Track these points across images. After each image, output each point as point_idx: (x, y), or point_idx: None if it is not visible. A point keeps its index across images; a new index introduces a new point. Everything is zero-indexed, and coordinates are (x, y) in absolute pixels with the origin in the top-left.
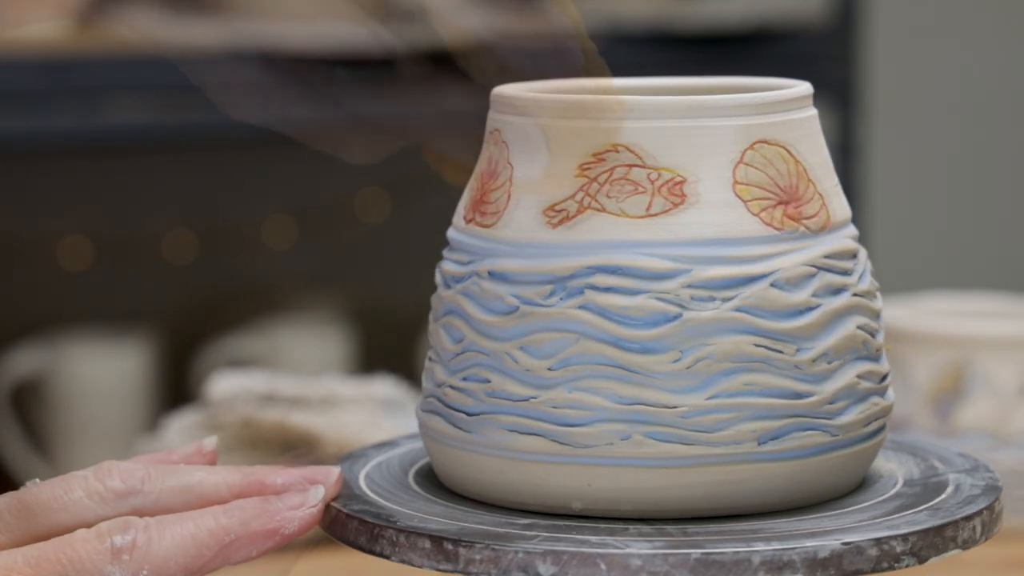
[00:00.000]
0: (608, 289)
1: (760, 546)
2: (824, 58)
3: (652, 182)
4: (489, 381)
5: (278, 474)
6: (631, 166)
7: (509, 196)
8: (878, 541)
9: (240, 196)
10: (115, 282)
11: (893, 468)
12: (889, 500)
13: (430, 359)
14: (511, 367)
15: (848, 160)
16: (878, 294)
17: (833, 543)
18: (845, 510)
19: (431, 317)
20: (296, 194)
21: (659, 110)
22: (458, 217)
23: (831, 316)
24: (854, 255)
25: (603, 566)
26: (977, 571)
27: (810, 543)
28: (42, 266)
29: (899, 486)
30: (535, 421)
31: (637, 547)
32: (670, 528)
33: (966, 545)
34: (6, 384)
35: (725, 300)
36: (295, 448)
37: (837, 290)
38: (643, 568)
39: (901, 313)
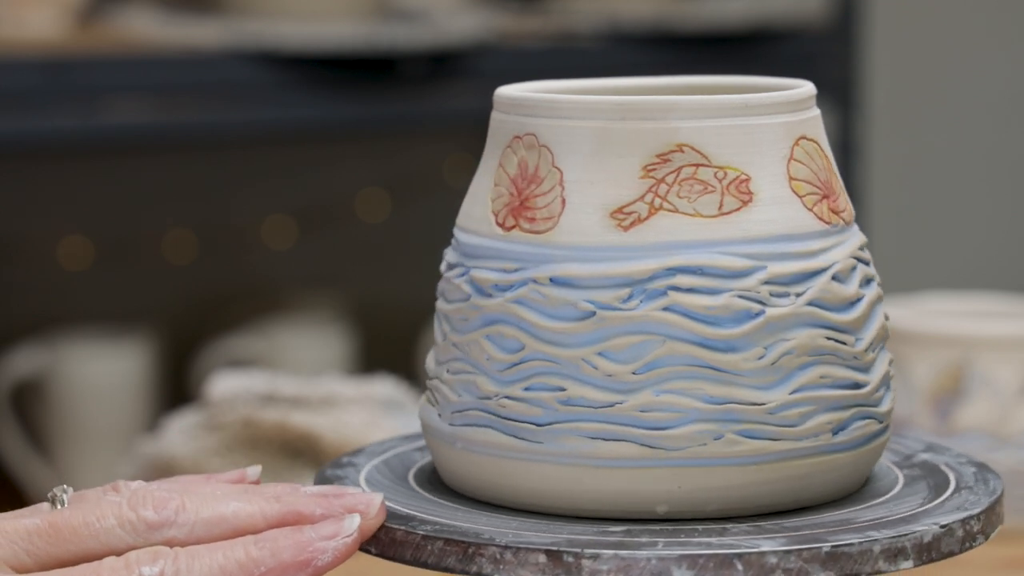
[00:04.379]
0: (691, 290)
1: (874, 534)
2: (824, 58)
3: (719, 180)
4: (564, 389)
5: (317, 503)
6: (698, 165)
7: (564, 200)
8: (963, 522)
9: (240, 196)
10: (115, 282)
11: None
12: (911, 484)
13: (462, 371)
14: (589, 373)
15: (848, 160)
16: None
17: (932, 527)
18: (885, 498)
19: (449, 328)
20: (296, 194)
21: (718, 109)
22: (484, 224)
23: (871, 306)
24: (867, 246)
25: (740, 566)
26: (977, 571)
27: (916, 528)
28: (42, 266)
29: (900, 472)
30: (620, 426)
31: (768, 545)
32: (767, 524)
33: (1001, 522)
34: (6, 384)
35: (798, 295)
36: (295, 448)
37: (869, 280)
38: (778, 565)
39: (901, 313)
